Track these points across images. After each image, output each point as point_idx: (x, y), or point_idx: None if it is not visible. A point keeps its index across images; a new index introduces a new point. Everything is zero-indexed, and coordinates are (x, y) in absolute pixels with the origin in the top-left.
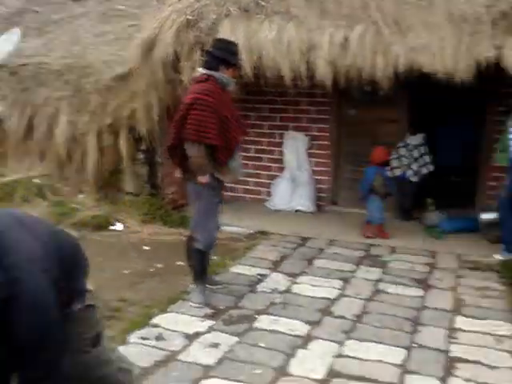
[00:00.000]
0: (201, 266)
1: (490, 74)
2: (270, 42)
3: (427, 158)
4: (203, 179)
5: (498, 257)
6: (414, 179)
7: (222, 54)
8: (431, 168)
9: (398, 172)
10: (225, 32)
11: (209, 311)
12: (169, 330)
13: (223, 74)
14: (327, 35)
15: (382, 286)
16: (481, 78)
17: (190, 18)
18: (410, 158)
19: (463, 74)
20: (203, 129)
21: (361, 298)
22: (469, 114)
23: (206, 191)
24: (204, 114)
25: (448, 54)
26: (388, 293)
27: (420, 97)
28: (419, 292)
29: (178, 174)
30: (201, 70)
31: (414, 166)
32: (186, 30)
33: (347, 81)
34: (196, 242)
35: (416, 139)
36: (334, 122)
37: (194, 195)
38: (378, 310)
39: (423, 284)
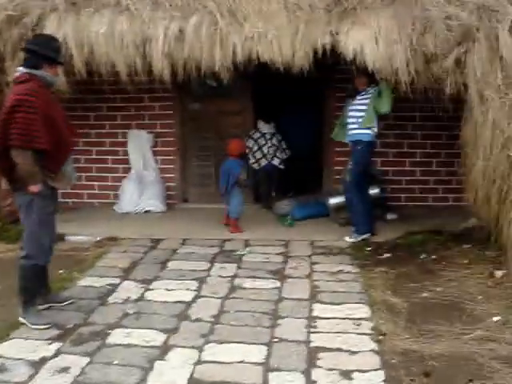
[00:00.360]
0: (34, 283)
1: (326, 62)
2: (101, 36)
3: (284, 144)
4: (35, 188)
5: (349, 239)
6: (282, 166)
7: (44, 51)
8: (289, 153)
9: (263, 162)
10: (52, 27)
11: (55, 332)
12: (11, 358)
13: (46, 73)
14: (162, 27)
15: (238, 281)
16: (318, 65)
17: (13, 13)
18: (272, 147)
19: (301, 63)
20: (30, 132)
21: (218, 297)
22: (310, 102)
23: (38, 201)
24: (30, 116)
25: (285, 43)
26: (245, 288)
27: (263, 87)
28: (276, 283)
29: (4, 184)
30: (21, 69)
31: (278, 154)
32: (8, 26)
33: (187, 74)
34: (28, 259)
35: (270, 128)
36: (178, 118)
37: (24, 207)
38: (236, 307)
39: (279, 275)
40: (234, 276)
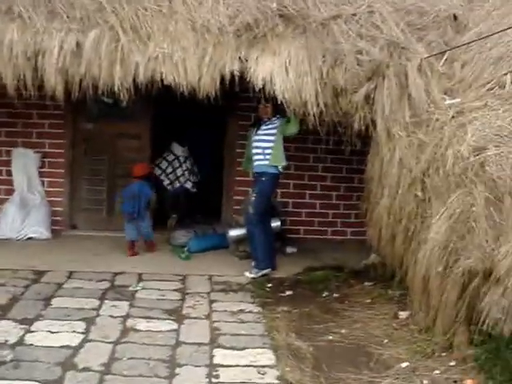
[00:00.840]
0: None
1: (232, 90)
2: None
3: (195, 168)
4: None
5: (249, 275)
6: (194, 190)
7: None
8: (199, 177)
9: (176, 185)
10: None
11: None
12: None
13: None
14: (57, 39)
15: (130, 322)
16: (223, 92)
17: None
18: (187, 170)
19: (207, 89)
20: None
21: (108, 342)
22: (213, 128)
23: None
24: None
25: (191, 66)
26: (138, 330)
27: (165, 111)
28: (173, 325)
29: None
30: None
31: (192, 177)
32: None
33: (82, 91)
34: None
35: (184, 151)
36: (69, 138)
37: None
38: (129, 353)
39: (176, 315)
40: (127, 316)
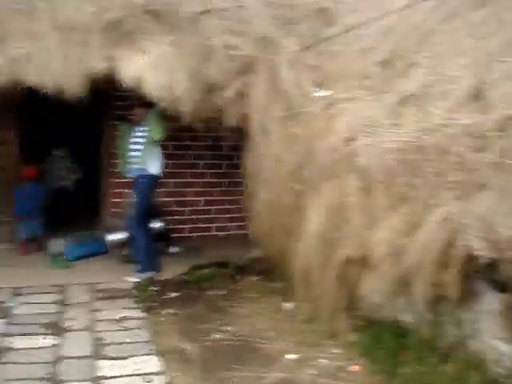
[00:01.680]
0: None
1: (103, 88)
2: None
3: (75, 166)
4: None
5: (132, 279)
6: (72, 188)
7: None
8: (80, 174)
9: (56, 184)
10: None
11: None
12: None
13: None
14: None
15: (8, 341)
16: (94, 92)
17: None
18: (64, 169)
19: (75, 88)
20: None
21: None
22: (86, 128)
23: None
24: None
25: (55, 67)
26: (17, 349)
27: (35, 114)
28: (53, 340)
29: None
30: None
31: (70, 175)
32: None
33: None
34: None
35: (61, 151)
36: None
37: None
38: (6, 375)
39: (56, 328)
40: (4, 334)
